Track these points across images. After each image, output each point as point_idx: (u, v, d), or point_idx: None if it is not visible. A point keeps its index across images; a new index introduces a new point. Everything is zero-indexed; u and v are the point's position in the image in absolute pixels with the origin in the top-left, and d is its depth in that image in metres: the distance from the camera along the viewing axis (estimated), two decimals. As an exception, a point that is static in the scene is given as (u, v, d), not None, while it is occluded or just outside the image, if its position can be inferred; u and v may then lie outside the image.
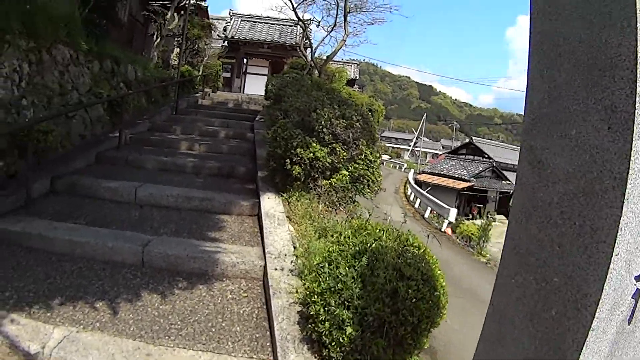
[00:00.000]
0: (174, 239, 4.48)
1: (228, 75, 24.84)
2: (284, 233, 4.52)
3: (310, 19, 17.85)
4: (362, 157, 6.17)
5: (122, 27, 13.89)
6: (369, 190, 6.41)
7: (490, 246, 19.79)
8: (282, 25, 26.33)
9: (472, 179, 32.32)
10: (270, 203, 5.28)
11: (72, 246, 4.10)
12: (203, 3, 15.27)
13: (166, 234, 4.63)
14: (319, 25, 17.36)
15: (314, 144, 5.51)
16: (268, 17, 26.65)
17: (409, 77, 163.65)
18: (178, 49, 16.10)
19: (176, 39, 15.97)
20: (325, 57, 16.28)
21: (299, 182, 5.58)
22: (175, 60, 15.96)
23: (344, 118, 6.07)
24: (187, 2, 12.05)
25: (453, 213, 22.91)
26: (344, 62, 30.90)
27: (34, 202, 5.14)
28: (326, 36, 15.68)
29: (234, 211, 5.43)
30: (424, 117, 72.08)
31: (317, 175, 5.61)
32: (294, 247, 4.30)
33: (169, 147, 8.07)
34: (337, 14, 14.89)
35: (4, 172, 5.50)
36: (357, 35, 14.06)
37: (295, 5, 15.31)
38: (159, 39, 13.86)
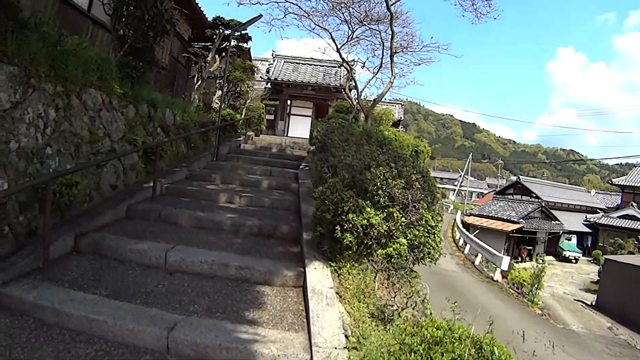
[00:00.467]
0: (205, 321, 3.64)
1: (271, 117, 24.66)
2: (333, 317, 3.61)
3: (354, 60, 17.36)
4: (422, 221, 5.15)
5: (163, 69, 13.86)
6: (429, 259, 5.35)
7: (542, 292, 19.41)
8: (326, 66, 26.23)
9: (521, 220, 31.93)
10: (317, 275, 4.34)
11: (89, 324, 3.53)
12: (245, 45, 15.11)
13: (196, 313, 3.78)
14: (363, 66, 16.83)
15: (368, 209, 4.59)
16: (311, 58, 26.64)
17: (452, 116, 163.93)
18: (220, 92, 15.91)
19: (218, 81, 15.79)
20: (372, 100, 15.68)
21: (350, 252, 4.68)
22: (217, 103, 15.71)
23: (400, 177, 5.16)
24: (228, 44, 11.70)
25: (506, 262, 22.01)
26: (389, 102, 30.52)
27: (54, 263, 4.57)
28: (372, 78, 15.11)
29: (275, 282, 4.55)
30: (470, 156, 70.71)
31: (370, 244, 4.69)
32: (346, 337, 3.45)
33: (206, 200, 7.36)
34: (382, 55, 14.31)
35: (24, 228, 4.92)
36: (403, 76, 13.37)
37: (339, 47, 14.87)
38: (199, 82, 13.62)
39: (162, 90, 14.14)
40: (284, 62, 26.10)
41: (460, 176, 74.68)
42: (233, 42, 14.65)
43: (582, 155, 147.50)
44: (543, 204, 34.67)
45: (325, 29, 14.31)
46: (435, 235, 5.37)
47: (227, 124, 12.86)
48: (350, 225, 4.46)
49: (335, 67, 26.13)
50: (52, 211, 4.71)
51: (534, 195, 37.84)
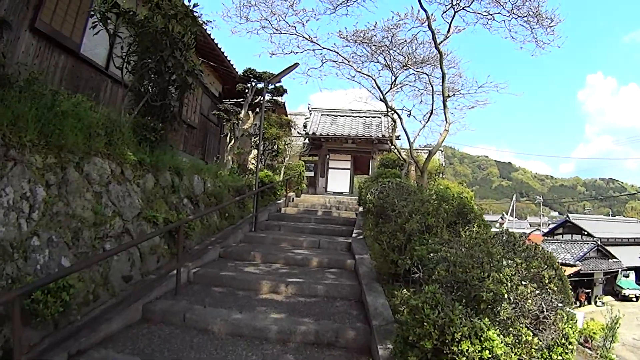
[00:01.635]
0: None
1: (311, 174, 23.51)
2: None
3: (401, 109, 16.15)
4: (561, 339, 3.42)
5: (192, 129, 12.99)
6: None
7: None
8: (365, 117, 25.31)
9: (578, 262, 30.69)
10: None
11: None
12: (280, 99, 14.15)
13: None
14: (409, 114, 15.54)
15: (489, 332, 2.92)
16: (350, 109, 25.82)
17: (487, 157, 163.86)
18: (255, 151, 14.89)
19: (253, 139, 14.79)
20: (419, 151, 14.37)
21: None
22: (252, 163, 14.63)
23: (527, 271, 3.50)
24: (262, 98, 10.66)
25: (580, 318, 19.35)
26: (426, 149, 29.14)
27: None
28: (423, 127, 13.77)
29: None
30: (514, 198, 68.39)
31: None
32: None
33: (245, 290, 5.87)
34: (433, 100, 13.01)
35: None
36: (452, 123, 11.93)
37: (384, 93, 13.71)
38: (233, 141, 12.60)
39: (193, 152, 13.26)
40: (321, 115, 25.30)
41: (501, 217, 72.38)
42: (267, 96, 13.71)
43: (622, 183, 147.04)
44: (599, 243, 33.26)
45: (368, 75, 13.25)
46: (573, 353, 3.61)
47: (265, 187, 11.61)
48: (464, 358, 2.82)
49: (375, 117, 25.12)
50: (34, 324, 3.39)
51: (586, 232, 37.06)
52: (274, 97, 13.76)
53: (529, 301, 3.14)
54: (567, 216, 43.22)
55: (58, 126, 4.86)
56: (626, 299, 31.31)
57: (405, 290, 3.39)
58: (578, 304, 28.68)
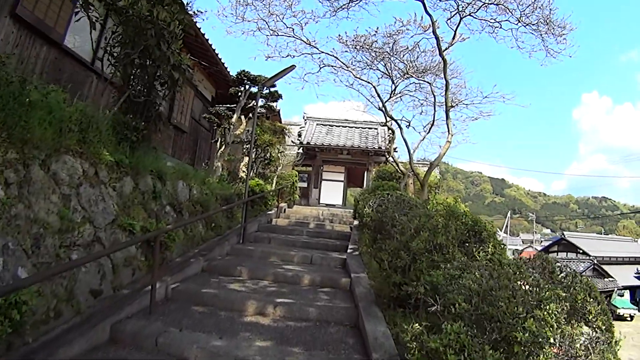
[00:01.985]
0: None
1: (304, 184, 22.97)
2: None
3: (400, 119, 15.72)
4: None
5: (182, 133, 12.49)
6: None
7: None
8: (362, 128, 24.90)
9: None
10: None
11: None
12: (274, 104, 13.63)
13: None
14: (409, 125, 15.10)
15: None
16: (345, 119, 25.45)
17: (480, 172, 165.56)
18: (247, 158, 14.35)
19: (245, 146, 14.24)
20: (417, 163, 13.90)
21: None
22: (243, 171, 14.08)
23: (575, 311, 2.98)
24: (256, 103, 10.15)
25: None
26: (421, 163, 28.89)
27: None
28: (423, 138, 13.34)
29: None
30: (509, 215, 69.02)
31: None
32: None
33: (227, 310, 5.29)
34: (434, 110, 12.59)
35: None
36: (453, 135, 11.45)
37: (384, 102, 13.27)
38: (223, 147, 12.04)
39: (182, 157, 12.72)
40: (317, 124, 24.87)
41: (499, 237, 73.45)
42: (261, 102, 13.21)
43: (614, 202, 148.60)
44: (595, 262, 33.72)
45: (368, 82, 12.82)
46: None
47: (255, 197, 11.04)
48: None
49: (372, 128, 24.73)
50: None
51: (581, 251, 37.56)
52: (269, 103, 13.24)
53: (577, 345, 2.60)
54: (562, 234, 43.81)
55: (24, 118, 4.31)
56: (620, 318, 30.88)
57: (416, 324, 2.83)
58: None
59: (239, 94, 12.06)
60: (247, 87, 11.94)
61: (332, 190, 24.76)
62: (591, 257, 34.59)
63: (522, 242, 77.52)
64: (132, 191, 6.04)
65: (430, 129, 13.07)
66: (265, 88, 12.56)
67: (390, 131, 19.13)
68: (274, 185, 15.83)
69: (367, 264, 7.31)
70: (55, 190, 4.64)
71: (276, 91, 13.08)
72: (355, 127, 25.06)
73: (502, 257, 4.86)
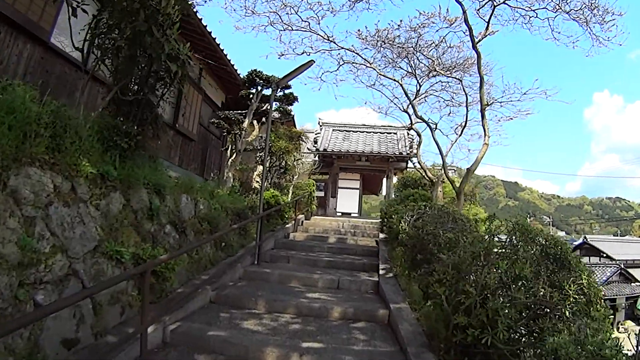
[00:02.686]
0: None
1: (321, 194, 21.90)
2: None
3: (428, 121, 14.55)
4: None
5: (190, 141, 11.54)
6: None
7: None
8: (380, 132, 23.78)
9: (601, 287, 27.16)
10: None
11: None
12: (290, 108, 12.54)
13: None
14: (435, 128, 13.92)
15: None
16: (363, 124, 24.39)
17: (493, 176, 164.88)
18: (261, 167, 13.32)
19: (258, 154, 13.21)
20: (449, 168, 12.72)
21: None
22: (257, 181, 13.03)
23: None
24: (270, 106, 9.09)
25: None
26: (450, 168, 27.67)
27: None
28: (456, 141, 12.20)
29: None
30: (529, 221, 67.77)
31: None
32: None
33: (240, 361, 4.17)
34: (467, 110, 11.41)
35: None
36: (489, 136, 10.19)
37: (411, 100, 12.15)
38: (234, 155, 11.02)
39: (189, 167, 11.77)
40: (333, 130, 23.82)
41: None
42: (275, 105, 12.18)
43: (628, 202, 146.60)
44: (622, 266, 32.01)
45: (393, 79, 11.72)
46: None
47: (271, 210, 9.96)
48: None
49: (391, 132, 23.62)
50: None
51: (604, 255, 36.56)
52: (283, 106, 12.19)
53: None
54: (585, 237, 42.02)
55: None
56: (648, 323, 29.79)
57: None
58: (602, 330, 27.53)
59: (251, 96, 11.06)
60: (259, 88, 10.93)
61: (348, 198, 23.80)
62: (617, 261, 33.16)
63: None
64: (121, 210, 4.99)
65: (462, 131, 11.95)
66: (279, 90, 11.54)
67: (416, 134, 18.06)
68: (290, 195, 14.77)
69: (406, 289, 6.17)
70: (15, 213, 3.60)
71: (291, 93, 12.04)
72: (374, 132, 23.97)
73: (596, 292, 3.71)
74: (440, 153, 10.82)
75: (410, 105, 12.70)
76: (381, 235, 11.67)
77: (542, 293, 3.47)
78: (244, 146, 11.29)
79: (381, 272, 7.47)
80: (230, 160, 11.15)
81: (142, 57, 5.06)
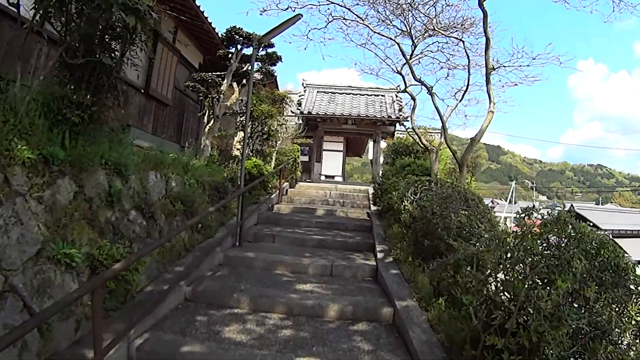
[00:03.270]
0: None
1: (306, 158, 21.11)
2: None
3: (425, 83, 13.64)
4: None
5: (164, 107, 10.58)
6: None
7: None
8: (367, 95, 22.78)
9: None
10: None
11: None
12: (273, 68, 11.49)
13: None
14: (429, 91, 13.03)
15: None
16: (349, 86, 23.34)
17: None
18: (242, 133, 12.39)
19: (239, 118, 12.25)
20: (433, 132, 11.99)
21: None
22: (238, 148, 12.15)
23: None
24: (251, 66, 8.13)
25: None
26: (427, 131, 27.46)
27: None
28: (456, 106, 11.37)
29: None
30: (513, 184, 68.64)
31: None
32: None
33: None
34: (469, 74, 10.54)
35: None
36: (495, 103, 9.29)
37: (408, 59, 11.20)
38: (212, 121, 10.10)
39: (166, 134, 10.86)
40: (317, 92, 22.77)
41: (492, 201, 75.08)
42: (257, 65, 11.17)
43: (609, 169, 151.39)
44: (611, 236, 31.16)
45: (388, 37, 10.76)
46: None
47: (254, 183, 9.14)
48: None
49: (379, 95, 22.70)
50: None
51: (592, 224, 35.33)
52: (266, 66, 11.17)
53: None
54: (572, 206, 41.97)
55: None
56: (635, 294, 30.21)
57: None
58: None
59: (230, 56, 10.03)
60: (239, 47, 9.89)
61: (332, 161, 23.44)
62: (604, 231, 33.03)
63: (521, 209, 77.48)
64: (71, 200, 4.14)
65: (463, 96, 11.09)
66: (261, 49, 10.53)
67: (403, 98, 17.24)
68: (273, 162, 13.94)
69: (411, 280, 5.51)
70: None
71: (274, 52, 10.99)
72: (360, 94, 22.99)
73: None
74: (441, 119, 10.01)
75: (405, 66, 11.75)
76: (373, 208, 11.02)
77: (604, 317, 2.82)
78: (223, 111, 10.35)
79: (379, 254, 6.82)
80: (207, 126, 10.23)
81: (92, 8, 4.09)
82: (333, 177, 24.17)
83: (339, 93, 22.92)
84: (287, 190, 14.05)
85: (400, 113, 20.20)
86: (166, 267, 5.57)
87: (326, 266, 6.38)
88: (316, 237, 8.17)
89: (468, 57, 10.28)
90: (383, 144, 21.38)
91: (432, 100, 10.20)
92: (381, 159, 20.83)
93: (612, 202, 75.81)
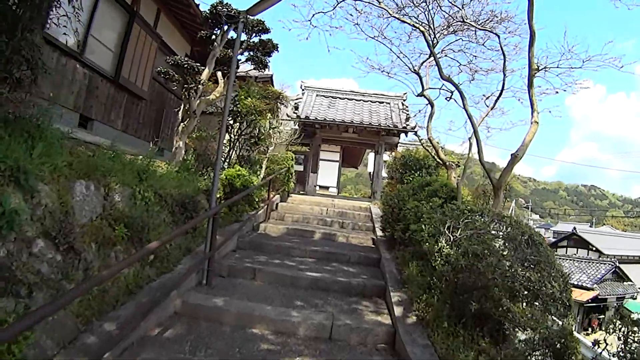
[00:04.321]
0: None
1: (300, 168, 19.45)
2: None
3: (440, 88, 11.90)
4: None
5: (138, 100, 9.06)
6: None
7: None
8: (371, 101, 21.14)
9: (596, 285, 28.26)
10: None
11: None
12: (267, 58, 9.67)
13: None
14: (450, 98, 11.32)
15: None
16: (352, 91, 21.78)
17: (471, 155, 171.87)
18: (228, 135, 10.65)
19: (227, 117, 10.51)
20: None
21: None
22: (224, 152, 10.42)
23: None
24: (235, 45, 6.41)
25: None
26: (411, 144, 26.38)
27: None
28: (487, 114, 9.68)
29: None
30: (513, 205, 68.53)
31: None
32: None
33: None
34: (504, 75, 8.85)
35: None
36: (539, 112, 7.57)
37: (433, 48, 9.49)
38: (189, 119, 8.34)
39: (139, 133, 9.29)
40: (316, 95, 21.09)
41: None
42: (247, 54, 9.47)
43: (603, 191, 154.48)
44: (617, 264, 30.96)
45: (414, 25, 9.08)
46: None
47: (234, 200, 7.34)
48: None
49: (384, 102, 21.06)
50: None
51: (594, 248, 36.21)
52: (258, 54, 9.41)
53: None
54: (574, 229, 41.17)
55: None
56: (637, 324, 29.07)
57: None
58: (590, 330, 27.00)
59: (213, 37, 8.32)
60: (225, 28, 8.13)
61: (327, 171, 22.61)
62: (611, 258, 32.16)
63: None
64: None
65: (495, 102, 9.34)
66: (255, 34, 8.85)
67: (410, 106, 15.61)
68: (263, 171, 12.19)
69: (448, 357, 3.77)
70: None
71: (270, 40, 9.26)
72: (364, 101, 21.30)
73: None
74: (474, 128, 8.19)
75: (422, 65, 10.08)
76: (379, 233, 9.29)
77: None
78: (203, 107, 8.60)
79: (396, 308, 5.03)
80: (180, 124, 8.47)
81: None
82: (328, 187, 23.52)
83: (340, 98, 21.25)
84: (277, 204, 12.32)
85: (407, 123, 18.54)
86: (92, 322, 3.80)
87: (324, 326, 4.61)
88: (310, 274, 6.37)
89: (504, 55, 8.57)
90: (386, 157, 19.72)
91: (464, 105, 8.43)
92: (383, 173, 19.20)
93: (607, 225, 75.22)
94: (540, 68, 7.83)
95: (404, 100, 20.80)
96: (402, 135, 19.59)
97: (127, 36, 8.98)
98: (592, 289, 27.49)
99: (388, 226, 8.15)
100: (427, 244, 4.78)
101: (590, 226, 61.67)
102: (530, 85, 7.62)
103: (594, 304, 27.52)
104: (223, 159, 10.41)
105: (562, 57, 8.15)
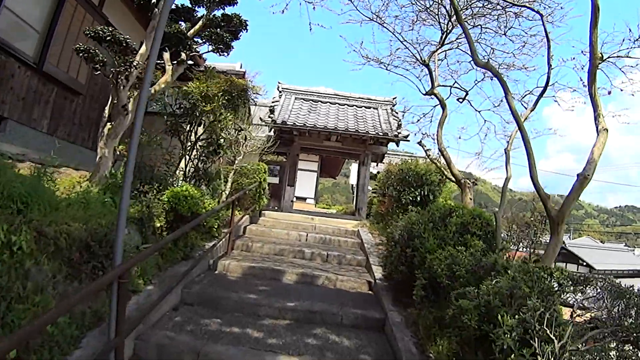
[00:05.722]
0: None
1: (275, 180, 17.30)
2: None
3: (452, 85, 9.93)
4: None
5: (72, 94, 7.28)
6: None
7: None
8: (357, 106, 19.12)
9: (592, 306, 27.07)
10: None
11: None
12: (230, 38, 7.37)
13: None
14: (463, 99, 9.40)
15: None
16: (335, 94, 19.75)
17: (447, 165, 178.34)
18: (183, 145, 8.41)
19: (172, 119, 8.24)
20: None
21: None
22: (172, 164, 8.21)
23: None
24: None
25: None
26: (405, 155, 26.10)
27: None
28: (526, 118, 7.76)
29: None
30: (499, 215, 68.23)
31: None
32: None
33: None
34: (549, 67, 6.91)
35: None
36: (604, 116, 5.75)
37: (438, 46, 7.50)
38: (119, 116, 6.09)
39: (76, 137, 7.34)
40: (295, 98, 18.91)
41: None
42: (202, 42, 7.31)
43: (579, 201, 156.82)
44: (613, 282, 30.91)
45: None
46: None
47: (169, 240, 5.07)
48: None
49: (371, 107, 19.11)
50: None
51: (584, 263, 37.42)
52: (222, 32, 7.13)
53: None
54: (563, 243, 41.41)
55: None
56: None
57: None
58: (586, 349, 27.03)
59: (152, 2, 6.15)
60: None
61: (304, 182, 21.69)
62: (599, 272, 32.53)
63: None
64: None
65: (537, 101, 7.42)
66: (217, 7, 6.71)
67: (401, 112, 13.69)
68: (228, 186, 9.97)
69: None
70: None
71: (237, 15, 7.11)
72: (349, 105, 19.19)
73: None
74: (523, 135, 6.12)
75: (432, 56, 8.07)
76: (377, 273, 7.14)
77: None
78: (144, 100, 6.40)
79: None
80: (107, 125, 6.20)
81: None
82: (305, 199, 22.94)
83: (322, 102, 19.13)
84: (245, 227, 10.12)
85: (399, 130, 16.53)
86: None
87: None
88: (284, 358, 4.19)
89: (548, 39, 6.51)
90: (372, 169, 17.79)
91: (507, 101, 6.35)
92: (368, 186, 17.27)
93: (587, 236, 75.32)
94: (604, 58, 5.79)
95: (394, 105, 18.89)
96: (390, 144, 17.74)
97: (57, 12, 6.92)
98: (589, 309, 26.86)
99: (395, 271, 5.98)
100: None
101: (570, 238, 61.38)
102: (592, 80, 5.64)
103: (592, 326, 27.17)
104: (179, 171, 8.21)
105: (630, 46, 6.16)
